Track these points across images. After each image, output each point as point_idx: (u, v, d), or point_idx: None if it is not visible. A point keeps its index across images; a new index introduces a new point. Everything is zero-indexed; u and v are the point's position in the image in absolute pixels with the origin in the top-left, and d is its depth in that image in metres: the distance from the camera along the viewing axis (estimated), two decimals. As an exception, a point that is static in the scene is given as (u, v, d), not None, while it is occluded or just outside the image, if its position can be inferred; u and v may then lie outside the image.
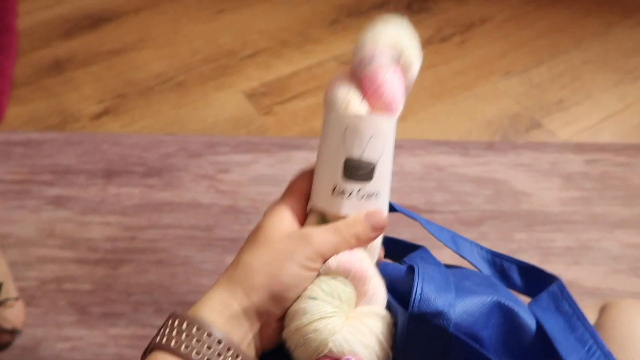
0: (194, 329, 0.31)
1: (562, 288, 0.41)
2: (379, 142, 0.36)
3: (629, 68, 1.13)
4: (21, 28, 1.23)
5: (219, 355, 0.30)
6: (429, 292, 0.35)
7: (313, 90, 1.11)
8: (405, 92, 0.39)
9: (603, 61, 1.14)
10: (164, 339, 0.31)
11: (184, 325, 0.31)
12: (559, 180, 0.91)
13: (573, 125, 1.02)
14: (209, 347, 0.30)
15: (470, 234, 0.84)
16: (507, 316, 0.37)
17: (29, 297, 0.79)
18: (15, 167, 0.95)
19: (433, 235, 0.47)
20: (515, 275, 0.49)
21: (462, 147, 0.96)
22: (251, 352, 0.34)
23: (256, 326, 0.33)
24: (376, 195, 0.37)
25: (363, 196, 0.36)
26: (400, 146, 0.95)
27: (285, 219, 0.36)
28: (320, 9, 1.28)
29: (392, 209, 0.51)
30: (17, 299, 0.76)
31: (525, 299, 0.47)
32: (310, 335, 0.33)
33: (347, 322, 0.34)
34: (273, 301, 0.33)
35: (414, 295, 0.34)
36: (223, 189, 0.92)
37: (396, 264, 0.43)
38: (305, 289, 0.35)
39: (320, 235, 0.35)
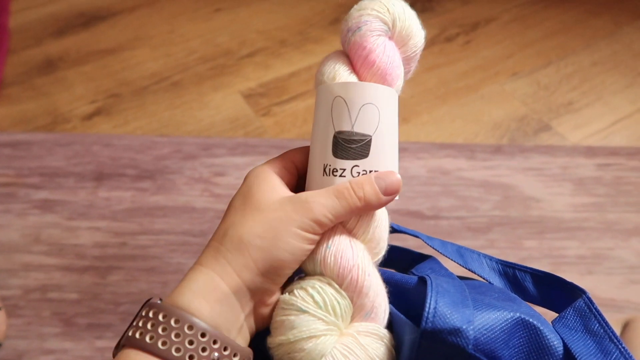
0: (172, 321, 0.26)
1: (589, 303, 0.37)
2: (373, 112, 0.31)
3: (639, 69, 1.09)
4: (12, 26, 1.20)
5: (204, 350, 0.26)
6: (444, 307, 0.31)
7: (313, 91, 1.07)
8: (407, 66, 0.35)
9: (613, 63, 1.11)
10: (138, 333, 0.26)
11: (161, 317, 0.26)
12: (570, 186, 0.87)
13: (583, 128, 0.98)
14: (190, 342, 0.26)
15: (477, 242, 0.80)
16: (531, 335, 0.33)
17: (11, 307, 0.75)
18: (2, 169, 0.91)
19: (437, 251, 0.44)
20: (530, 286, 0.45)
21: (468, 150, 0.92)
22: (244, 336, 0.29)
23: (249, 307, 0.29)
24: None
25: (359, 174, 0.31)
26: (403, 149, 0.91)
27: (275, 182, 0.31)
28: (321, 7, 1.24)
29: (391, 229, 0.47)
30: (-2, 308, 0.72)
31: (542, 310, 0.43)
32: (296, 354, 0.29)
33: (340, 339, 0.30)
34: (267, 279, 0.29)
35: (427, 310, 0.30)
36: (218, 192, 0.88)
37: (404, 274, 0.39)
38: (294, 287, 0.30)
39: (320, 200, 0.29)
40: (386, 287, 0.33)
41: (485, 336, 0.31)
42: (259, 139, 0.97)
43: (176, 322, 0.26)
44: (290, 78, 1.09)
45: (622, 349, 0.32)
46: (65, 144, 0.95)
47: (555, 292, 0.41)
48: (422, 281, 0.34)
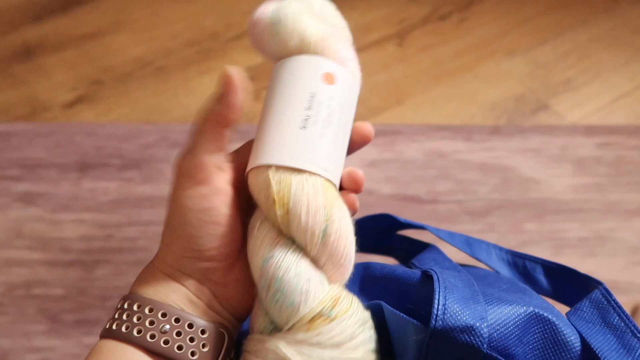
0: (146, 310, 0.28)
1: (607, 295, 0.34)
2: None
3: (638, 45, 1.07)
4: (-13, 12, 1.15)
5: (179, 334, 0.28)
6: (454, 304, 0.29)
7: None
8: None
9: (610, 39, 1.08)
10: (114, 325, 0.28)
11: (135, 307, 0.29)
12: (570, 166, 0.85)
13: (582, 107, 0.96)
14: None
15: (477, 226, 0.78)
16: (546, 330, 0.31)
17: (-6, 305, 0.72)
18: (-20, 162, 0.87)
19: (445, 241, 0.42)
20: (541, 277, 0.43)
21: (465, 131, 0.89)
22: (210, 318, 0.30)
23: (199, 289, 0.30)
24: None
25: None
26: (398, 132, 0.89)
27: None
28: (310, -13, 1.20)
29: (397, 223, 0.45)
30: (-21, 307, 0.69)
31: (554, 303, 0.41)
32: None
33: None
34: (190, 258, 0.29)
35: (436, 307, 0.28)
36: (208, 181, 0.85)
37: (405, 268, 0.37)
38: None
39: (184, 152, 0.30)
40: (388, 284, 0.31)
41: (498, 332, 0.29)
42: (248, 124, 0.93)
43: (150, 310, 0.28)
44: (280, 60, 1.05)
45: (647, 345, 0.29)
46: (46, 134, 0.91)
47: (568, 284, 0.39)
48: (427, 276, 0.32)
